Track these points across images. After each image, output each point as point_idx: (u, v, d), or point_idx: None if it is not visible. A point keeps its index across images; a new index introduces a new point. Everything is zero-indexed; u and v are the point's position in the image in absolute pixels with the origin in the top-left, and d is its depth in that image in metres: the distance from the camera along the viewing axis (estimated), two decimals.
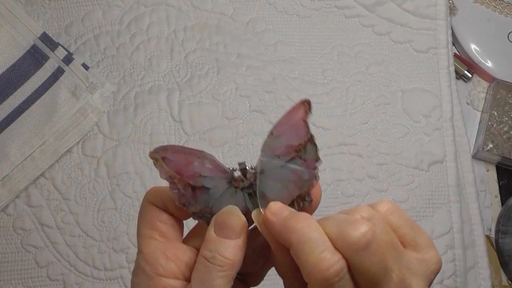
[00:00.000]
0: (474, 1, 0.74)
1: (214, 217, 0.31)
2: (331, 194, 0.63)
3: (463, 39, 0.73)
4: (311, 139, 0.32)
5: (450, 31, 0.70)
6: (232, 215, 0.31)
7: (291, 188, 0.32)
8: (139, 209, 0.66)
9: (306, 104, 0.31)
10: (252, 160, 0.64)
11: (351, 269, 0.27)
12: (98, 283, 0.60)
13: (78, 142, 0.64)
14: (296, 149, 0.32)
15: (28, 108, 0.63)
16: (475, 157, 0.69)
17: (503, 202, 0.69)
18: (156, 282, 0.30)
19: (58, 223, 0.62)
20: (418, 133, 0.66)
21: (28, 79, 0.63)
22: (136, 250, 0.32)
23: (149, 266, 0.30)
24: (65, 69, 0.64)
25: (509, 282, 0.66)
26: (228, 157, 0.64)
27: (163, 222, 0.32)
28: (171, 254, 0.31)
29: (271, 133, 0.32)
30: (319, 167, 0.32)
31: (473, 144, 0.70)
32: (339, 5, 0.70)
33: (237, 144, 0.64)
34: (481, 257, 0.63)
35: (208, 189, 0.32)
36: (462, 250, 0.62)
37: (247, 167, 0.32)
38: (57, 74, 0.64)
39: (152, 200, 0.33)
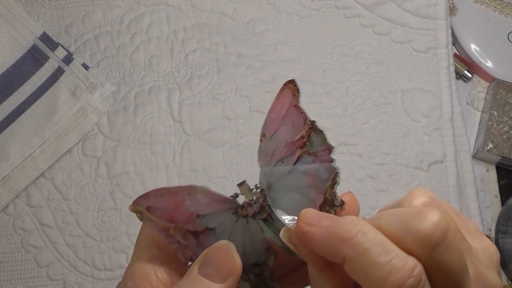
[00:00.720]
0: (474, 1, 0.74)
1: (202, 253, 0.25)
2: None
3: (463, 39, 0.73)
4: (313, 126, 0.25)
5: (450, 31, 0.70)
6: (221, 252, 0.24)
7: (311, 194, 0.25)
8: None
9: (291, 86, 0.26)
10: (253, 159, 0.64)
11: (427, 272, 0.22)
12: (98, 283, 0.60)
13: (78, 142, 0.64)
14: (299, 145, 0.25)
15: (28, 108, 0.63)
16: (475, 157, 0.69)
17: (503, 202, 0.69)
18: None
19: (58, 223, 0.62)
20: (418, 133, 0.66)
21: (28, 79, 0.63)
22: None
23: (132, 284, 0.25)
24: (65, 69, 0.64)
25: (509, 282, 0.66)
26: (228, 157, 0.64)
27: None
28: (163, 276, 0.25)
29: (263, 135, 0.26)
30: (334, 158, 0.25)
31: (473, 144, 0.70)
32: (339, 5, 0.70)
33: (237, 144, 0.64)
34: None
35: (213, 229, 0.25)
36: None
37: (250, 187, 0.26)
38: (57, 74, 0.64)
39: None
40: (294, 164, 0.25)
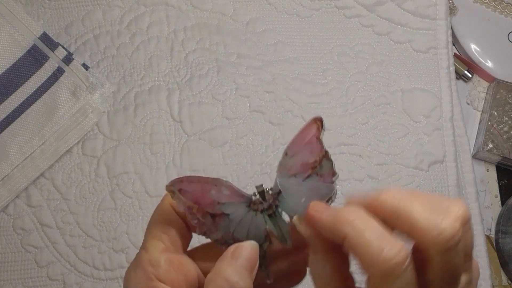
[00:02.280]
0: (474, 1, 0.74)
1: (235, 245, 0.31)
2: None
3: (463, 39, 0.73)
4: (326, 155, 0.32)
5: (450, 31, 0.70)
6: (252, 250, 0.31)
7: None
8: (139, 209, 0.66)
9: (318, 122, 0.32)
10: (253, 159, 0.64)
11: (427, 265, 0.25)
12: (98, 283, 0.60)
13: (78, 142, 0.64)
14: (311, 166, 0.32)
15: (28, 108, 0.63)
16: (475, 157, 0.69)
17: (503, 202, 0.69)
18: (154, 285, 0.30)
19: (58, 223, 0.62)
20: (418, 133, 0.66)
21: (28, 79, 0.63)
22: (136, 250, 0.32)
23: (152, 268, 0.30)
24: (65, 69, 0.64)
25: (509, 282, 0.66)
26: (228, 157, 0.64)
27: (177, 228, 0.32)
28: (176, 263, 0.31)
29: (286, 154, 0.33)
30: (336, 181, 0.32)
31: (473, 144, 0.70)
32: (339, 5, 0.70)
33: (237, 144, 0.64)
34: (481, 257, 0.63)
35: (227, 215, 0.32)
36: None
37: (264, 189, 0.33)
38: (57, 74, 0.64)
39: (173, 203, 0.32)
40: (303, 180, 0.32)
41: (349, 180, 0.63)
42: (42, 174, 0.63)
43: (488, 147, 0.68)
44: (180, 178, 0.31)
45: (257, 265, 0.31)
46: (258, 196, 0.32)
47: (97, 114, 0.65)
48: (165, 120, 0.65)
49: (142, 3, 0.69)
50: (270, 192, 0.33)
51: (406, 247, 0.25)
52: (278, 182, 0.33)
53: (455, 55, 0.72)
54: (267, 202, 0.32)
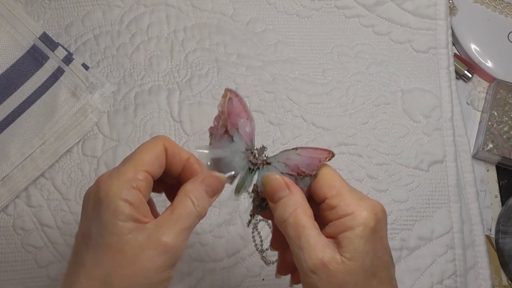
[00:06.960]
0: (474, 1, 0.74)
1: (208, 172, 0.39)
2: None
3: (463, 39, 0.73)
4: (312, 176, 0.39)
5: (450, 31, 0.70)
6: (220, 181, 0.39)
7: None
8: None
9: (330, 154, 0.39)
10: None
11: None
12: None
13: (78, 142, 0.64)
14: (298, 172, 0.40)
15: (28, 108, 0.63)
16: (475, 157, 0.69)
17: (503, 202, 0.69)
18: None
19: (58, 223, 0.62)
20: (418, 133, 0.66)
21: (28, 79, 0.63)
22: None
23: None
24: (65, 69, 0.64)
25: (509, 282, 0.66)
26: None
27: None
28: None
29: (295, 149, 0.40)
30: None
31: (473, 144, 0.70)
32: (339, 5, 0.70)
33: None
34: (481, 257, 0.63)
35: (233, 140, 0.40)
36: (462, 250, 0.62)
37: (265, 152, 0.41)
38: (57, 74, 0.64)
39: (124, 197, 0.37)
40: (286, 173, 0.40)
41: (349, 180, 0.63)
42: (42, 174, 0.63)
43: (488, 147, 0.68)
44: (236, 93, 0.40)
45: (218, 194, 0.39)
46: (256, 152, 0.41)
47: (97, 114, 0.65)
48: (165, 120, 0.65)
49: (142, 3, 0.69)
50: (265, 157, 0.41)
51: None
52: (274, 157, 0.41)
53: (455, 55, 0.72)
54: (256, 160, 0.41)
